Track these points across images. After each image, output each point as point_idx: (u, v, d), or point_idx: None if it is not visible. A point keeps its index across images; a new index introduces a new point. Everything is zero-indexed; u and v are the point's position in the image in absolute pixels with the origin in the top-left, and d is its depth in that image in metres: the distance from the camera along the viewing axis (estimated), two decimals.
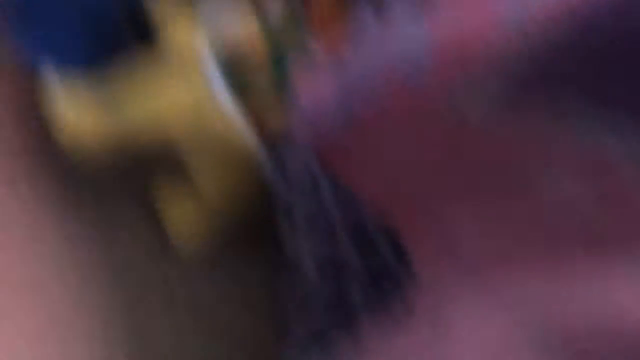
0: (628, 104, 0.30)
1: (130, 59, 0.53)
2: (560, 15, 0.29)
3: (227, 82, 0.46)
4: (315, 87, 0.38)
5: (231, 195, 0.51)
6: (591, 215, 0.30)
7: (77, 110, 0.49)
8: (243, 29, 0.47)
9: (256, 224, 0.52)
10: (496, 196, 0.32)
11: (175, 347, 0.49)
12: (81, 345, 0.47)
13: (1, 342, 0.46)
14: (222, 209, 0.52)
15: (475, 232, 0.33)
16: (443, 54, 0.32)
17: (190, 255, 0.53)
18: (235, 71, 0.46)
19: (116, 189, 0.53)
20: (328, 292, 0.40)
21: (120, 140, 0.48)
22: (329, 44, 0.45)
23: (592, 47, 0.29)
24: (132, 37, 0.55)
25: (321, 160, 0.39)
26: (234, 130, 0.45)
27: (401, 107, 0.34)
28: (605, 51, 0.29)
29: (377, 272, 0.37)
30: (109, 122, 0.48)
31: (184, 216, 0.53)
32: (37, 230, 0.50)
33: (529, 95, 0.30)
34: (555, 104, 0.30)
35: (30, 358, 0.46)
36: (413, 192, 0.36)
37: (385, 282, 0.37)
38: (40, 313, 0.47)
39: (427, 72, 0.32)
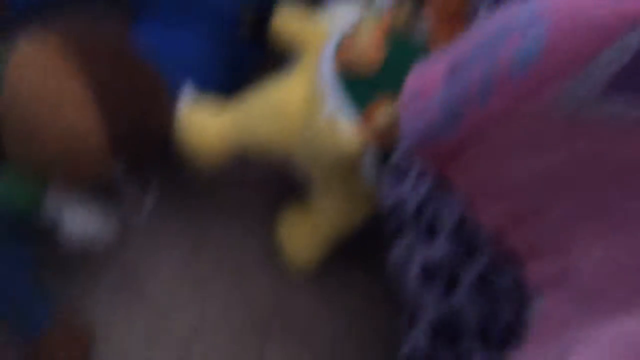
0: None
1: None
2: None
3: (343, 85, 0.46)
4: (423, 82, 0.36)
5: (346, 213, 0.51)
6: None
7: (202, 114, 0.50)
8: (364, 28, 0.46)
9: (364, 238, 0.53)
10: (627, 218, 0.28)
11: None
12: None
13: None
14: (337, 229, 0.52)
15: (599, 258, 0.29)
16: (558, 39, 0.28)
17: (303, 273, 0.54)
18: (353, 76, 0.45)
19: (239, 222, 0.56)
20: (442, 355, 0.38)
21: (240, 143, 0.49)
22: (447, 39, 0.44)
23: None
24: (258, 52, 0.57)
25: (435, 172, 0.35)
26: (340, 132, 0.44)
27: (507, 105, 0.30)
28: None
29: (494, 321, 0.35)
30: (232, 125, 0.49)
31: (298, 236, 0.54)
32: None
33: None
34: None
35: None
36: (534, 205, 0.31)
37: (502, 334, 0.35)
38: None
39: (536, 61, 0.28)
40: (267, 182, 0.59)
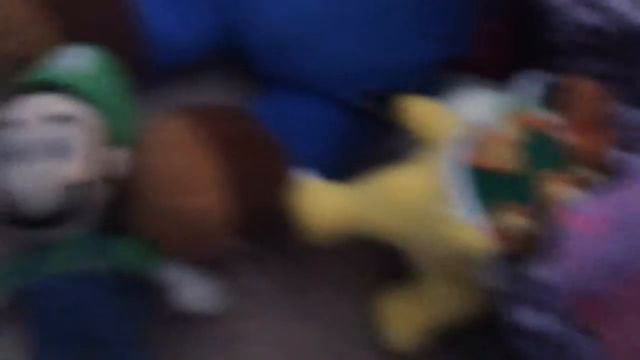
0: None
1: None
2: None
3: (471, 183, 0.45)
4: (582, 224, 0.35)
5: (454, 303, 0.51)
6: None
7: (318, 192, 0.50)
8: (499, 124, 0.46)
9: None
10: None
11: None
12: None
13: None
14: (444, 317, 0.52)
15: None
16: None
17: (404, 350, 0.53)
18: (483, 175, 0.45)
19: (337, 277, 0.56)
20: None
21: (355, 224, 0.49)
22: (588, 153, 0.44)
23: None
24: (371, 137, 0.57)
25: (583, 320, 0.34)
26: (462, 231, 0.44)
27: None
28: None
29: None
30: (347, 206, 0.49)
31: (403, 318, 0.53)
32: None
33: None
34: None
35: None
36: None
37: None
38: None
39: None
40: (373, 255, 0.59)
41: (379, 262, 0.59)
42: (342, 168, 0.58)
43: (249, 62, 0.62)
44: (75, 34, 0.52)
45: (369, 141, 0.60)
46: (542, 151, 0.46)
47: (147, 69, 0.57)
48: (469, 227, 0.44)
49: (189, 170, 0.45)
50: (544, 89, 0.50)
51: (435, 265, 0.50)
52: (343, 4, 0.54)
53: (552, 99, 0.49)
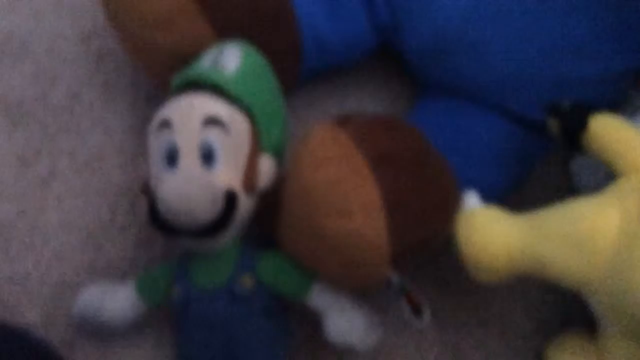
0: None
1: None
2: None
3: None
4: None
5: None
6: None
7: (487, 223, 0.43)
8: None
9: None
10: None
11: None
12: None
13: None
14: None
15: None
16: None
17: None
18: None
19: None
20: None
21: (527, 262, 0.43)
22: None
23: None
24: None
25: None
26: None
27: None
28: None
29: None
30: (522, 242, 0.42)
31: None
32: None
33: None
34: None
35: None
36: None
37: None
38: None
39: None
40: (543, 295, 0.52)
41: (550, 305, 0.52)
42: (507, 191, 0.51)
43: (405, 67, 0.57)
44: (229, 31, 0.49)
45: (539, 162, 0.53)
46: None
47: (297, 70, 0.54)
48: None
49: (346, 189, 0.40)
50: None
51: (622, 322, 0.42)
52: (519, 2, 0.47)
53: None
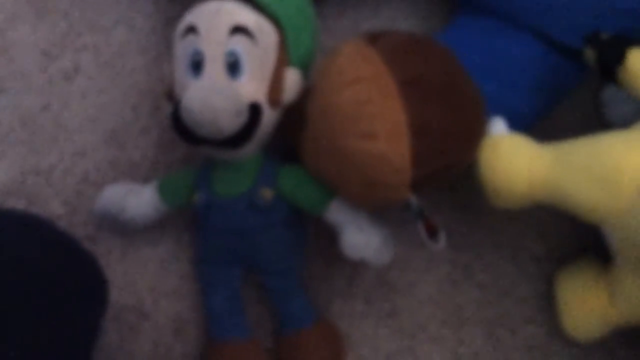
0: None
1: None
2: None
3: None
4: None
5: None
6: None
7: (513, 150, 0.43)
8: None
9: None
10: None
11: None
12: None
13: None
14: (633, 317, 0.45)
15: None
16: None
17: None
18: None
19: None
20: None
21: (550, 193, 0.42)
22: None
23: None
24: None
25: None
26: None
27: None
28: None
29: None
30: (546, 172, 0.42)
31: (586, 306, 0.46)
32: None
33: None
34: None
35: None
36: None
37: None
38: None
39: None
40: (561, 223, 0.52)
41: (564, 232, 0.52)
42: (537, 118, 0.50)
43: None
44: None
45: (572, 89, 0.52)
46: None
47: None
48: None
49: (372, 111, 0.39)
50: None
51: (636, 255, 0.42)
52: None
53: None
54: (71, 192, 0.54)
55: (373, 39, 0.42)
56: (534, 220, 0.53)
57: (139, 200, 0.50)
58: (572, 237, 0.52)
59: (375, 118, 0.39)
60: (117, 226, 0.51)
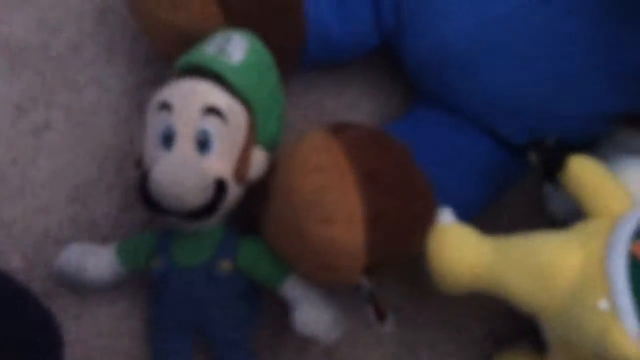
0: None
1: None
2: None
3: (636, 282, 0.40)
4: None
5: None
6: None
7: (458, 238, 0.46)
8: None
9: None
10: None
11: None
12: None
13: None
14: None
15: None
16: None
17: None
18: None
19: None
20: None
21: (490, 283, 0.45)
22: None
23: None
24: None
25: None
26: (615, 335, 0.39)
27: None
28: None
29: None
30: (488, 262, 0.45)
31: None
32: None
33: None
34: None
35: None
36: None
37: None
38: None
39: None
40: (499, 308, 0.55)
41: (504, 315, 0.55)
42: (482, 208, 0.54)
43: (405, 72, 0.58)
44: (237, 16, 0.49)
45: (516, 184, 0.56)
46: None
47: (297, 61, 0.55)
48: (625, 336, 0.39)
49: (331, 198, 0.42)
50: None
51: (569, 352, 0.45)
52: (523, 33, 0.49)
53: None
54: (31, 247, 0.55)
55: (336, 130, 0.45)
56: (478, 302, 0.55)
57: (97, 262, 0.51)
58: (513, 321, 0.55)
59: (334, 205, 0.42)
60: (75, 285, 0.52)
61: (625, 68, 0.49)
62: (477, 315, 0.55)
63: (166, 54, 0.51)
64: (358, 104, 0.60)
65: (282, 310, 0.49)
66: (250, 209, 0.49)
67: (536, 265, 0.44)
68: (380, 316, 0.46)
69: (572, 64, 0.48)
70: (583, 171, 0.46)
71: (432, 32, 0.51)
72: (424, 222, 0.45)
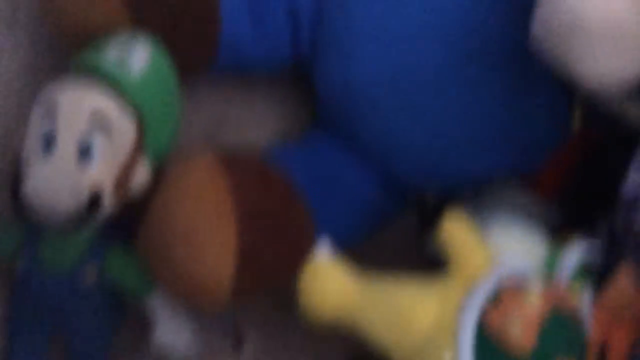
0: None
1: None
2: None
3: (479, 346, 0.43)
4: None
5: None
6: None
7: (330, 273, 0.47)
8: (526, 294, 0.44)
9: None
10: None
11: None
12: None
13: None
14: None
15: None
16: None
17: None
18: (495, 343, 0.43)
19: None
20: None
21: (349, 324, 0.47)
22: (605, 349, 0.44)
23: None
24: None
25: None
26: None
27: None
28: None
29: None
30: (353, 300, 0.47)
31: None
32: None
33: None
34: None
35: None
36: None
37: None
38: None
39: None
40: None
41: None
42: (360, 240, 0.55)
43: (313, 92, 0.58)
44: (144, 19, 0.48)
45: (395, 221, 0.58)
46: (558, 335, 0.44)
47: (206, 67, 0.54)
48: None
49: (207, 231, 0.43)
50: (588, 260, 0.48)
51: None
52: (428, 86, 0.50)
53: (590, 274, 0.47)
54: None
55: (225, 162, 0.45)
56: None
57: None
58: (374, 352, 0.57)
59: (208, 238, 0.43)
60: None
61: (521, 133, 0.51)
62: (341, 343, 0.57)
63: (64, 46, 0.50)
64: (265, 120, 0.60)
65: (143, 321, 0.49)
66: (129, 219, 0.49)
67: (394, 310, 0.46)
68: (238, 342, 0.47)
69: (473, 124, 0.50)
70: (453, 228, 0.48)
71: (342, 69, 0.52)
72: (297, 261, 0.46)
